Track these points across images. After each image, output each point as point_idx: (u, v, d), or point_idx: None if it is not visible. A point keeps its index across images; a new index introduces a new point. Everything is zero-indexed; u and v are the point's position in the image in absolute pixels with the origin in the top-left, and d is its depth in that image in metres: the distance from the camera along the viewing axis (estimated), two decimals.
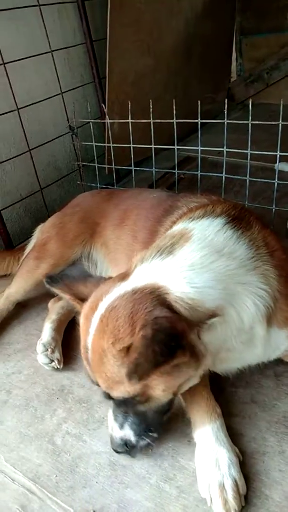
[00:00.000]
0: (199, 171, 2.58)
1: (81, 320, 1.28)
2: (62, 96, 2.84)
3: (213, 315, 1.19)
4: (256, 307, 1.26)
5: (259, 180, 2.45)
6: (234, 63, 4.64)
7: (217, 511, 1.20)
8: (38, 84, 2.72)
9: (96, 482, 1.34)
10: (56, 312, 1.98)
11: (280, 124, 2.17)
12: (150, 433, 1.30)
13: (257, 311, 1.26)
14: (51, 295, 2.13)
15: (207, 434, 1.34)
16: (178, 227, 1.40)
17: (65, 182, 3.04)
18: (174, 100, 2.36)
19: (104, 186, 2.93)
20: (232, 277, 1.23)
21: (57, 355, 1.79)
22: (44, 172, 2.88)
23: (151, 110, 2.45)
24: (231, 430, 1.41)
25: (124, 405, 1.26)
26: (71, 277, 1.42)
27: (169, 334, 1.05)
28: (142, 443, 1.29)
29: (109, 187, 2.92)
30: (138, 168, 2.76)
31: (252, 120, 2.24)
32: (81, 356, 1.27)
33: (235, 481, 1.24)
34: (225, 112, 2.36)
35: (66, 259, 2.03)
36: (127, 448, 1.30)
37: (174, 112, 2.40)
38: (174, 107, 2.37)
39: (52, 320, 1.94)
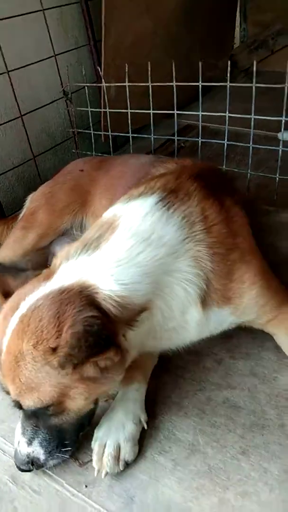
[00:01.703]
0: (199, 138, 2.47)
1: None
2: (56, 59, 2.69)
3: (142, 310, 1.14)
4: (186, 293, 1.21)
5: (262, 147, 2.34)
6: (237, 29, 4.44)
7: (94, 465, 1.22)
8: (29, 45, 2.58)
9: (89, 455, 1.29)
10: None
11: (286, 87, 2.05)
12: (64, 450, 1.20)
13: (188, 296, 1.21)
14: (43, 266, 2.06)
15: (124, 393, 1.33)
16: (109, 212, 1.30)
17: (59, 150, 2.93)
18: (173, 63, 2.24)
19: (100, 155, 2.81)
20: (159, 267, 1.16)
21: None
22: (37, 140, 2.76)
23: (149, 72, 2.33)
24: (229, 402, 1.36)
25: (35, 418, 1.16)
26: (5, 267, 1.35)
27: (100, 332, 0.99)
28: (51, 462, 1.21)
29: (105, 155, 2.81)
30: (135, 135, 2.65)
31: (257, 88, 2.13)
32: None
33: (118, 445, 1.23)
34: (228, 76, 2.24)
35: (54, 229, 1.96)
36: (32, 467, 1.19)
37: (174, 74, 2.28)
38: (173, 69, 2.25)
39: None
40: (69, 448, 1.21)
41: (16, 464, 1.21)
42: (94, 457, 1.22)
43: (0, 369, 1.12)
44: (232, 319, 1.36)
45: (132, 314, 1.11)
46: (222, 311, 1.31)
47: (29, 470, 1.21)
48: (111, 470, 1.20)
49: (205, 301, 1.25)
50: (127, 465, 1.24)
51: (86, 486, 1.22)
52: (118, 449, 1.23)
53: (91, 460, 1.25)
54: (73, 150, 2.92)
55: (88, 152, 2.83)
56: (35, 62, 2.59)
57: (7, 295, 1.22)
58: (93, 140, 2.78)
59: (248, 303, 1.33)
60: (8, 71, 2.41)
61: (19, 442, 1.20)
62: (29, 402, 1.09)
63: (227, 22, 4.24)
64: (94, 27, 2.89)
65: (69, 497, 1.20)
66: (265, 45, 4.25)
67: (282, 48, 4.18)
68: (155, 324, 1.21)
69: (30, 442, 1.18)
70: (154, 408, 1.38)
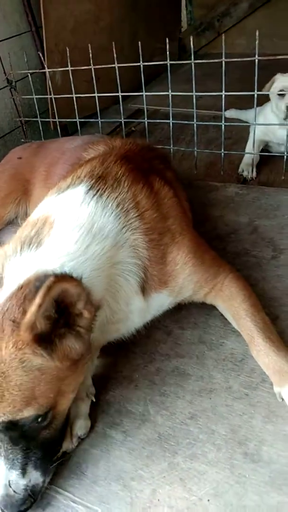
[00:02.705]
0: (145, 119, 2.47)
1: None
2: None
3: (98, 307, 1.13)
4: (128, 283, 1.21)
5: (206, 123, 2.36)
6: (184, 11, 4.44)
7: None
8: None
9: None
10: None
11: (223, 62, 2.07)
12: (55, 459, 1.13)
13: (130, 287, 1.21)
14: None
15: None
16: (39, 210, 1.23)
17: (8, 140, 2.87)
18: (113, 44, 2.22)
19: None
20: (107, 261, 1.14)
21: None
22: None
23: (90, 55, 2.31)
24: (178, 371, 1.38)
25: (24, 439, 1.03)
26: None
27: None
28: (48, 478, 1.11)
29: (44, 140, 2.78)
30: (83, 120, 2.63)
31: (204, 70, 2.14)
32: None
33: (70, 424, 1.22)
34: (167, 54, 2.24)
35: None
36: (33, 498, 1.05)
37: (115, 55, 2.26)
38: (114, 51, 2.24)
39: None
40: (60, 457, 1.16)
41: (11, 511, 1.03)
42: None
43: None
44: (171, 300, 1.38)
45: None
46: (160, 295, 1.31)
47: (31, 506, 1.05)
48: (65, 447, 1.20)
49: (144, 289, 1.25)
50: (81, 440, 1.24)
51: None
52: (70, 426, 1.23)
53: None
54: (22, 140, 2.87)
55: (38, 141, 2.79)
56: None
57: None
58: (41, 128, 2.75)
59: (183, 283, 1.34)
60: None
61: (7, 480, 1.03)
62: (28, 414, 0.98)
63: (173, 5, 4.24)
64: (34, 12, 2.83)
65: None
66: (212, 27, 4.27)
67: (228, 29, 4.20)
68: (103, 319, 1.20)
69: (24, 471, 1.04)
70: (105, 384, 1.39)
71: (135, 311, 1.28)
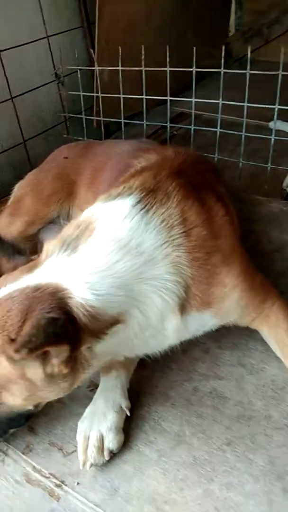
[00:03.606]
0: (192, 125, 2.43)
1: None
2: (48, 41, 2.62)
3: (115, 322, 1.10)
4: (164, 301, 1.16)
5: (255, 135, 2.31)
6: (232, 16, 4.37)
7: (79, 458, 1.20)
8: (22, 25, 2.50)
9: (74, 445, 1.27)
10: None
11: (280, 75, 2.02)
12: None
13: (166, 305, 1.17)
14: (31, 253, 2.03)
15: (104, 383, 1.33)
16: (88, 212, 1.25)
17: (50, 135, 2.87)
18: (168, 46, 2.19)
19: (94, 140, 2.76)
20: (137, 277, 1.12)
21: None
22: (28, 123, 2.69)
23: (143, 57, 2.28)
24: (216, 393, 1.35)
25: None
26: (3, 245, 1.28)
27: (58, 326, 0.95)
28: None
29: (91, 141, 2.76)
30: (127, 121, 2.61)
31: (250, 76, 2.10)
32: None
33: (101, 435, 1.21)
34: (222, 61, 2.20)
35: (42, 217, 1.92)
36: None
37: (168, 59, 2.23)
38: (167, 54, 2.20)
39: None
40: None
41: None
42: (79, 450, 1.20)
43: None
44: (214, 322, 1.34)
45: (103, 326, 1.07)
46: (202, 316, 1.27)
47: None
48: (96, 461, 1.18)
49: (183, 308, 1.21)
50: (113, 454, 1.22)
51: (70, 477, 1.20)
52: (102, 439, 1.21)
53: (75, 450, 1.23)
54: (64, 135, 2.87)
55: (80, 138, 2.77)
56: (28, 43, 2.52)
57: None
58: (84, 126, 2.73)
59: (230, 306, 1.30)
60: (0, 51, 2.33)
61: None
62: None
63: (222, 9, 4.17)
64: (88, 8, 2.81)
65: (52, 488, 1.18)
66: (260, 34, 4.19)
67: (276, 38, 4.12)
68: (130, 334, 1.17)
69: None
70: (140, 398, 1.36)
71: (169, 329, 1.24)
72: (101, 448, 1.20)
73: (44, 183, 1.94)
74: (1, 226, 1.92)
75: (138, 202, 1.21)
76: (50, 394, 1.11)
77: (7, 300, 1.03)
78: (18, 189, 2.05)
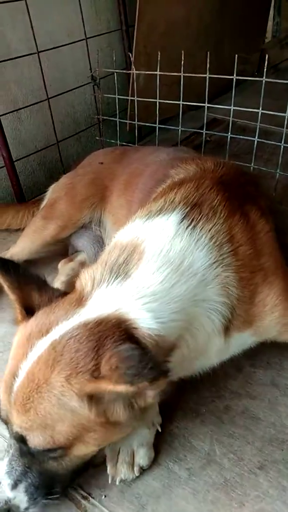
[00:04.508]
0: (229, 133, 2.39)
1: (18, 339, 1.06)
2: (86, 42, 2.62)
3: (173, 348, 1.07)
4: (213, 323, 1.13)
5: None
6: (270, 22, 4.31)
7: (108, 472, 1.17)
8: (61, 26, 2.51)
9: (101, 456, 1.25)
10: (65, 274, 1.88)
11: None
12: (50, 495, 1.06)
13: (214, 327, 1.14)
14: (62, 255, 2.02)
15: None
16: (130, 232, 1.19)
17: (83, 136, 2.87)
18: (208, 53, 2.16)
19: (124, 144, 2.75)
20: (191, 299, 1.09)
21: None
22: (62, 124, 2.70)
23: (182, 62, 2.26)
24: (248, 412, 1.32)
25: (30, 457, 1.02)
26: (28, 274, 1.15)
27: (153, 356, 0.91)
28: (32, 510, 1.05)
29: (130, 145, 2.75)
30: (162, 126, 2.58)
31: (286, 85, 2.05)
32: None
33: (132, 450, 1.18)
34: (264, 71, 2.16)
35: (74, 222, 1.91)
36: None
37: (208, 66, 2.20)
38: (208, 60, 2.17)
39: (61, 282, 1.84)
40: (57, 495, 1.08)
41: None
42: (108, 464, 1.18)
43: (9, 396, 0.99)
44: (253, 340, 1.31)
45: (166, 353, 1.04)
46: (242, 335, 1.24)
47: None
48: (126, 477, 1.16)
49: (227, 329, 1.18)
50: (143, 470, 1.20)
51: (97, 489, 1.18)
52: (132, 454, 1.19)
53: (103, 462, 1.21)
54: (97, 137, 2.86)
55: (112, 141, 2.77)
56: (66, 44, 2.52)
57: (28, 309, 1.10)
58: (118, 129, 2.72)
59: (270, 324, 1.26)
60: (39, 52, 2.34)
61: (1, 480, 1.04)
62: (38, 440, 0.96)
63: (261, 15, 4.11)
64: (127, 11, 2.80)
65: (79, 500, 1.16)
66: None
67: None
68: (179, 358, 1.13)
69: (15, 485, 1.02)
70: (170, 413, 1.33)
71: (213, 350, 1.21)
72: (131, 464, 1.17)
73: (78, 188, 1.93)
74: (34, 229, 1.92)
75: (184, 218, 1.17)
76: (126, 431, 1.08)
77: (70, 340, 0.96)
78: (52, 192, 2.04)
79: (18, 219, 2.19)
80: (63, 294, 1.13)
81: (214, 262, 1.13)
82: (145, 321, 1.00)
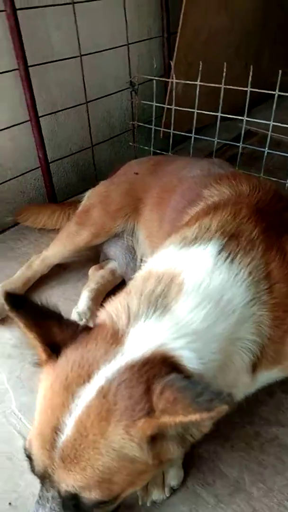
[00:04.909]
0: (266, 149, 2.36)
1: (50, 385, 0.95)
2: (128, 48, 2.62)
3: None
4: (243, 361, 1.10)
5: None
6: None
7: (138, 493, 1.15)
8: (104, 31, 2.51)
9: None
10: (95, 281, 1.88)
11: None
12: None
13: (243, 365, 1.11)
14: (94, 262, 2.02)
15: None
16: (165, 260, 1.15)
17: (116, 141, 2.87)
18: (250, 66, 2.14)
19: (157, 151, 2.75)
20: (228, 337, 1.05)
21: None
22: (97, 128, 2.70)
23: (224, 73, 2.24)
24: (278, 441, 1.30)
25: (75, 510, 0.92)
26: (42, 308, 1.04)
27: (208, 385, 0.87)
28: None
29: (163, 152, 2.75)
30: (198, 136, 2.56)
31: None
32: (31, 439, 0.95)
33: (162, 472, 1.16)
34: None
35: (107, 230, 1.90)
36: None
37: (250, 79, 2.18)
38: (250, 73, 2.15)
39: (90, 289, 1.84)
40: None
41: None
42: None
43: (48, 450, 0.90)
44: (280, 375, 1.28)
45: None
46: (270, 373, 1.22)
47: None
48: (156, 498, 1.15)
49: (255, 367, 1.15)
50: (173, 491, 1.19)
51: (126, 511, 1.17)
52: (162, 475, 1.18)
53: None
54: (130, 143, 2.86)
55: (146, 147, 2.76)
56: (108, 49, 2.52)
57: (52, 347, 1.00)
58: (152, 135, 2.71)
59: None
60: (81, 55, 2.35)
61: None
62: (93, 496, 0.88)
63: None
64: (170, 18, 2.79)
65: None
66: None
67: None
68: None
69: None
70: None
71: (240, 387, 1.18)
72: (162, 484, 1.16)
73: (113, 197, 1.92)
74: (68, 234, 1.93)
75: (222, 249, 1.13)
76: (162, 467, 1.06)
77: (120, 386, 0.89)
78: (87, 198, 2.05)
79: (54, 219, 2.21)
80: (86, 327, 1.05)
81: (252, 300, 1.09)
82: (189, 361, 0.96)
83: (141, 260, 1.86)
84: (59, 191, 2.54)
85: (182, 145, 3.05)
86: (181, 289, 1.05)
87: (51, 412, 0.91)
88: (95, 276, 1.91)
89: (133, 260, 1.89)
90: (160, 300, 1.03)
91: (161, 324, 0.99)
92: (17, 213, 2.29)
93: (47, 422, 0.91)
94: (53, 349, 0.99)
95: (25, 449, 0.97)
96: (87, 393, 0.89)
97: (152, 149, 2.74)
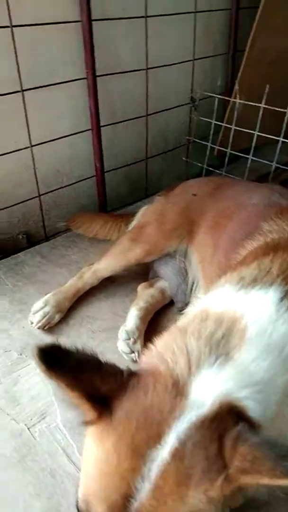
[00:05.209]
0: None
1: (113, 447, 0.84)
2: (193, 64, 2.60)
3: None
4: None
5: None
6: None
7: None
8: (172, 45, 2.50)
9: None
10: (145, 300, 1.85)
11: None
12: None
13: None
14: (143, 277, 2.01)
15: None
16: (223, 301, 1.09)
17: (170, 155, 2.85)
18: None
19: (209, 168, 2.72)
20: (285, 391, 0.98)
21: (138, 347, 1.65)
22: (153, 141, 2.69)
23: None
24: None
25: None
26: (80, 357, 0.90)
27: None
28: None
29: (216, 170, 2.72)
30: (256, 159, 2.52)
31: None
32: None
33: None
34: None
35: (160, 249, 1.87)
36: None
37: None
38: None
39: (139, 307, 1.80)
40: None
41: None
42: None
43: None
44: None
45: None
46: None
47: None
48: None
49: None
50: None
51: None
52: None
53: None
54: (183, 158, 2.84)
55: (199, 164, 2.74)
56: (175, 64, 2.51)
57: (98, 399, 0.89)
58: (207, 153, 2.68)
59: None
60: (148, 68, 2.35)
61: None
62: None
63: None
64: (237, 35, 2.76)
65: None
66: None
67: None
68: None
69: None
70: None
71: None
72: None
73: (168, 216, 1.89)
74: (121, 249, 1.91)
75: (284, 296, 1.07)
76: None
77: (195, 447, 0.82)
78: (142, 215, 2.04)
79: (105, 230, 2.20)
80: (131, 373, 0.95)
81: None
82: (254, 412, 0.90)
83: (193, 283, 1.83)
84: (109, 201, 2.55)
85: (234, 164, 3.00)
86: (244, 336, 0.99)
87: (119, 478, 0.83)
88: (145, 294, 1.89)
89: (185, 283, 1.86)
90: (221, 345, 0.97)
91: (225, 372, 0.93)
92: (70, 220, 2.31)
93: (114, 488, 0.83)
94: (100, 402, 0.87)
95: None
96: (160, 456, 0.82)
97: (205, 166, 2.71)
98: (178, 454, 0.81)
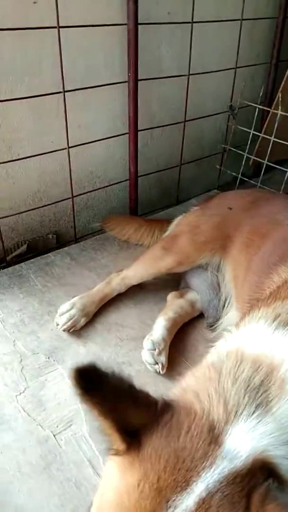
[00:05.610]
0: None
1: (135, 484, 0.79)
2: (235, 72, 2.56)
3: None
4: None
5: None
6: None
7: None
8: (215, 52, 2.47)
9: None
10: (174, 310, 1.82)
11: None
12: None
13: None
14: (173, 286, 1.98)
15: None
16: (259, 342, 1.02)
17: (204, 162, 2.81)
18: None
19: (243, 177, 2.68)
20: None
21: (163, 358, 1.62)
22: (188, 148, 2.65)
23: None
24: None
25: None
26: (115, 381, 0.82)
27: None
28: None
29: (251, 181, 2.67)
30: None
31: None
32: None
33: None
34: None
35: (192, 260, 1.83)
36: None
37: None
38: None
39: (168, 317, 1.77)
40: None
41: None
42: None
43: None
44: None
45: None
46: None
47: None
48: None
49: None
50: None
51: None
52: None
53: None
54: (217, 166, 2.80)
55: (234, 173, 2.70)
56: (218, 71, 2.48)
57: (127, 429, 0.84)
58: (243, 162, 2.64)
59: None
60: (189, 75, 2.31)
61: None
62: None
63: None
64: (282, 45, 2.71)
65: None
66: None
67: None
68: None
69: None
70: None
71: None
72: None
73: (202, 228, 1.85)
74: (152, 258, 1.89)
75: None
76: None
77: (222, 501, 0.76)
78: (177, 224, 2.01)
79: (139, 234, 2.19)
80: (165, 406, 0.89)
81: None
82: (286, 471, 0.84)
83: (225, 300, 1.79)
84: (140, 205, 2.52)
85: (268, 174, 2.95)
86: (284, 385, 0.92)
87: None
88: (174, 304, 1.86)
89: (217, 298, 1.82)
90: (260, 395, 0.91)
91: (264, 427, 0.86)
92: (105, 221, 2.30)
93: None
94: (130, 435, 0.83)
95: None
96: (185, 504, 0.76)
97: (239, 175, 2.67)
98: (204, 506, 0.76)
